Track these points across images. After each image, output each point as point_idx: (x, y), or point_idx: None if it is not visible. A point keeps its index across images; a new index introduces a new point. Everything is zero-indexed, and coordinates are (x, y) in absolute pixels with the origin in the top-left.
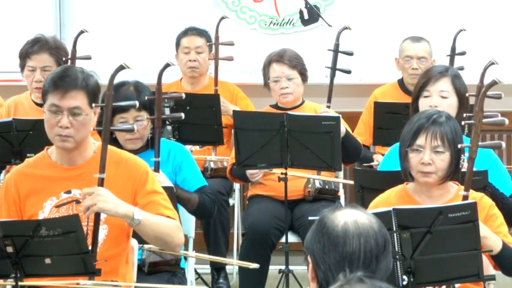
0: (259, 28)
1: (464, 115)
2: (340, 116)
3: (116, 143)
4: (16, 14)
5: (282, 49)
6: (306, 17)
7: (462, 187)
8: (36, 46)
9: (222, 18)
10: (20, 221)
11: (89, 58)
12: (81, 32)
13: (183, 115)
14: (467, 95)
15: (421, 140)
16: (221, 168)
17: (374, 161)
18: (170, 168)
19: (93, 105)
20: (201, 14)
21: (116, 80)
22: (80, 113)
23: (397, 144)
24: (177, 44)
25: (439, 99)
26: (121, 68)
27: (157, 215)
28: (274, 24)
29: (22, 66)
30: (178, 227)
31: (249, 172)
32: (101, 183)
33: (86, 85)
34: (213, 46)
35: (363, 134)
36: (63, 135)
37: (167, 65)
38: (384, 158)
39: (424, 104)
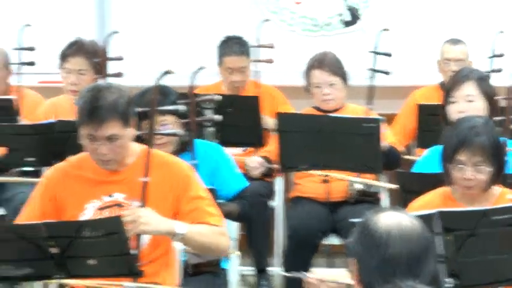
0: (300, 30)
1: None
2: (384, 118)
3: None
4: (59, 16)
5: (323, 53)
6: (346, 19)
7: (506, 189)
8: (72, 49)
9: (264, 21)
10: (64, 222)
11: (120, 59)
12: (113, 33)
13: (219, 117)
14: (497, 98)
15: (461, 156)
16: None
17: None
18: (207, 170)
19: (136, 109)
20: (240, 16)
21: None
22: (116, 139)
23: (436, 146)
24: (220, 59)
25: (465, 103)
26: (166, 73)
27: (203, 223)
28: (315, 26)
29: (61, 67)
30: (222, 233)
31: None
32: (145, 186)
33: (118, 111)
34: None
35: (397, 134)
36: (105, 160)
37: (201, 68)
38: (422, 159)
39: (451, 110)
